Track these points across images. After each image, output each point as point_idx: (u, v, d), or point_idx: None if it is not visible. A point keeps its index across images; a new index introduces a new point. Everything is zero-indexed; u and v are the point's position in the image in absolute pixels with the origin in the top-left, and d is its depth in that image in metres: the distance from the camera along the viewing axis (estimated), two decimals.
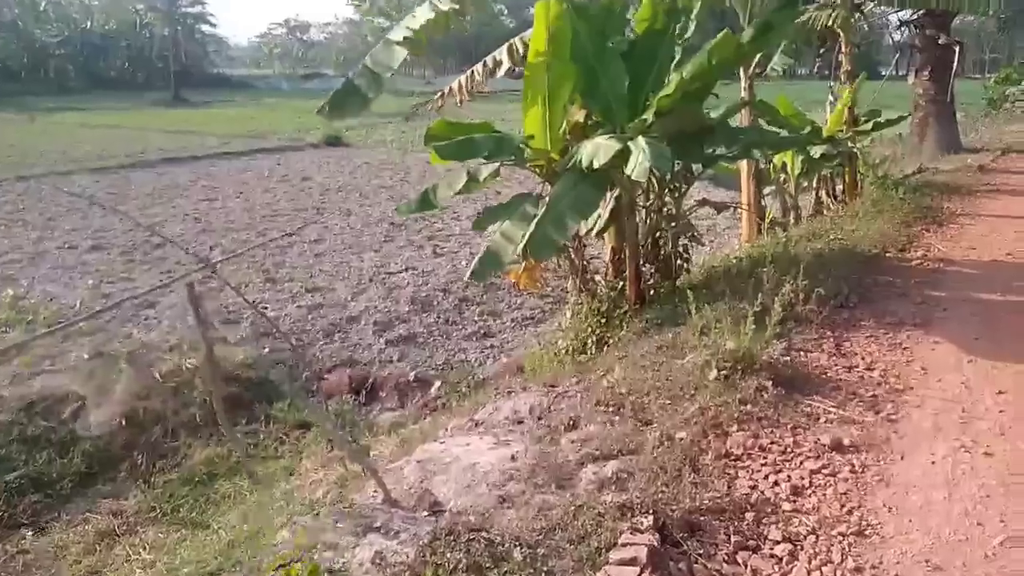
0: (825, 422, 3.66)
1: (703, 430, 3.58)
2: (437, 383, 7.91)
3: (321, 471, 6.19)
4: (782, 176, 11.13)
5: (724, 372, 4.07)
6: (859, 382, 4.14)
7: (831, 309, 5.32)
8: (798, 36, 12.49)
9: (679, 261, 6.74)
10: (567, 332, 6.90)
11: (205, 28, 74.66)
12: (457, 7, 5.93)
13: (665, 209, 6.72)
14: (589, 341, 6.51)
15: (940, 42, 14.75)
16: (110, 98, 57.47)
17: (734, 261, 7.16)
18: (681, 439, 3.53)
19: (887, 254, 7.12)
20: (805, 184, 11.16)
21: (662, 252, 6.76)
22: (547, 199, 5.75)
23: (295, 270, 11.85)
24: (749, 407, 3.76)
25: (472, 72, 7.98)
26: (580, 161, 5.57)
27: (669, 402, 3.96)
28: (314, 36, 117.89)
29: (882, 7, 13.42)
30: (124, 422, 7.02)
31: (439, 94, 8.27)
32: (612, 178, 6.06)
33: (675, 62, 6.06)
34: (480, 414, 4.73)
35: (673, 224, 6.35)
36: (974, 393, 4.03)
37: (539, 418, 4.44)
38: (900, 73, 27.56)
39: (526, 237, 5.42)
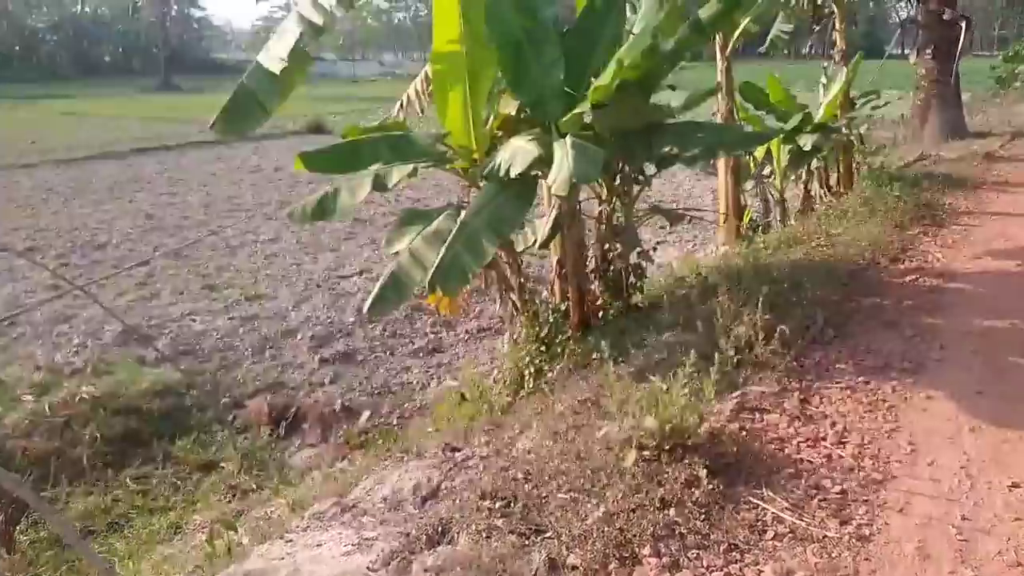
0: (773, 538, 2.68)
1: (604, 552, 2.62)
2: (366, 413, 6.97)
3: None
4: (767, 168, 10.11)
5: (647, 453, 3.10)
6: (825, 465, 3.16)
7: (801, 347, 4.33)
8: (787, 12, 11.40)
9: (631, 278, 5.75)
10: (503, 360, 5.96)
11: (197, 12, 72.93)
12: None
13: (615, 218, 5.72)
14: (527, 373, 5.56)
15: (945, 18, 13.62)
16: (100, 85, 56.43)
17: (695, 277, 6.17)
18: (574, 569, 2.57)
19: (877, 265, 6.12)
20: (792, 177, 10.12)
21: (612, 267, 5.77)
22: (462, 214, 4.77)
23: (239, 274, 10.89)
24: (672, 513, 2.78)
25: (425, 74, 6.97)
26: (499, 168, 4.60)
27: (572, 498, 2.99)
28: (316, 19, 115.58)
29: None
30: None
31: (398, 105, 7.26)
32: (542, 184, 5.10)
33: (621, 45, 5.05)
34: (355, 492, 3.79)
35: (618, 238, 5.36)
36: (977, 487, 3.00)
37: (423, 501, 3.50)
38: (904, 52, 26.30)
39: (433, 265, 4.46)
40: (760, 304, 4.18)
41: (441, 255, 4.49)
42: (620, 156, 4.95)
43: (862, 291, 5.42)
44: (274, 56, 5.08)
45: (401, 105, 6.69)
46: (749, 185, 9.58)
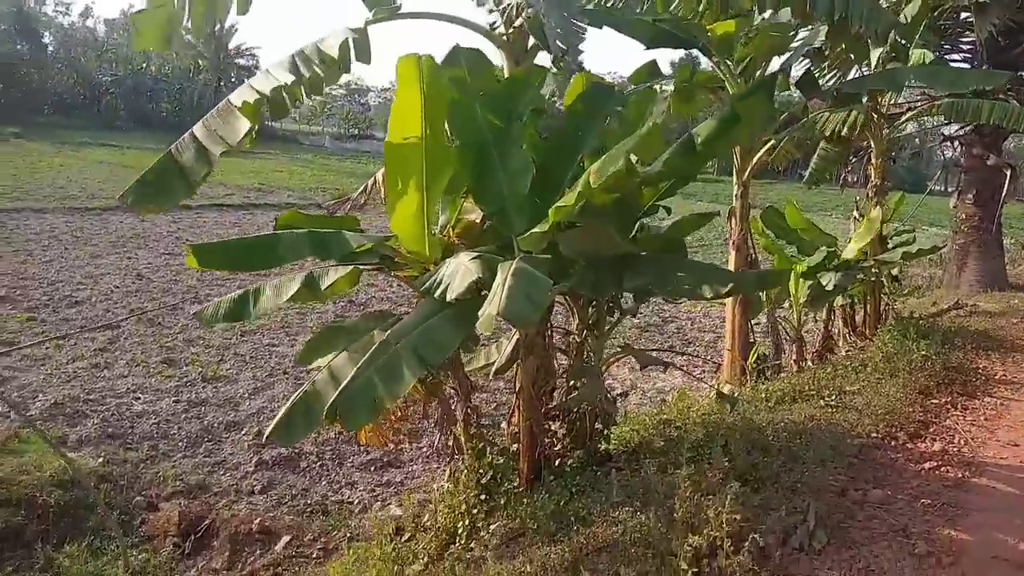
0: None
1: None
2: (285, 539, 6.02)
3: None
4: (785, 302, 9.26)
5: None
6: None
7: (782, 558, 3.39)
8: (801, 141, 10.84)
9: (596, 423, 4.87)
10: (438, 502, 5.05)
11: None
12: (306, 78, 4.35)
13: (586, 351, 4.90)
14: (461, 525, 4.65)
15: (988, 163, 12.92)
16: (151, 139, 57.80)
17: (679, 428, 5.27)
18: None
19: (893, 441, 5.17)
20: (811, 314, 9.26)
21: (577, 409, 4.90)
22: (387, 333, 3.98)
23: (206, 350, 10.15)
24: None
25: None
26: (437, 285, 3.84)
27: None
28: (372, 100, 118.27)
29: (922, 118, 11.71)
30: None
31: (363, 187, 6.67)
32: None
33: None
34: None
35: (582, 381, 4.52)
36: None
37: None
38: (948, 190, 25.53)
39: (337, 392, 3.66)
40: (730, 498, 3.26)
41: (349, 379, 3.69)
42: (586, 285, 4.16)
43: (871, 477, 4.47)
44: (213, 133, 4.49)
45: (365, 188, 6.05)
46: (762, 318, 8.71)
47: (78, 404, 7.95)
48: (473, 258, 3.74)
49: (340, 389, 3.64)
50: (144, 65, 74.08)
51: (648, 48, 7.47)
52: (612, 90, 4.64)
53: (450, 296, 3.60)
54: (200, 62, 72.98)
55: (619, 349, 5.01)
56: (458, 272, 3.73)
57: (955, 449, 5.06)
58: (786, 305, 9.41)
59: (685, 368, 9.43)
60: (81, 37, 74.08)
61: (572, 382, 4.87)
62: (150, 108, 74.12)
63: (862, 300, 10.34)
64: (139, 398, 8.38)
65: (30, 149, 39.63)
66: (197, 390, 8.75)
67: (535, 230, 3.96)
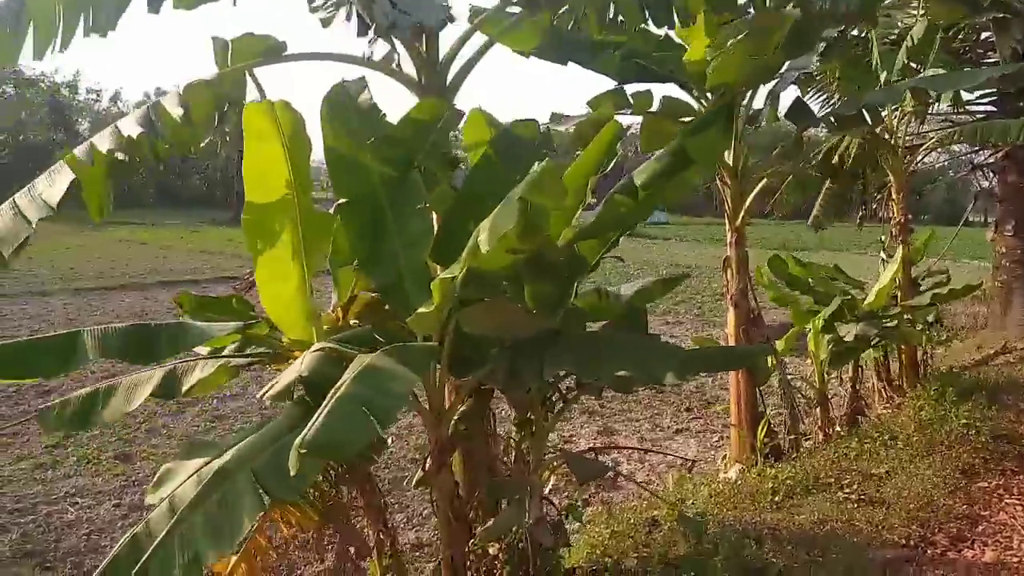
0: None
1: None
2: None
3: None
4: (809, 359, 8.15)
5: None
6: None
7: None
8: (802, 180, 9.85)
9: (543, 547, 3.81)
10: None
11: None
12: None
13: (526, 458, 3.89)
14: None
15: None
16: (176, 215, 58.53)
17: (660, 535, 4.20)
18: None
19: (930, 547, 4.04)
20: (834, 374, 8.12)
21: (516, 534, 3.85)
22: (229, 451, 3.03)
23: (169, 441, 9.25)
24: None
25: None
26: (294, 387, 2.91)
27: None
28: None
29: (949, 146, 10.62)
30: None
31: None
32: None
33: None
34: None
35: (514, 498, 3.50)
36: None
37: None
38: (988, 220, 23.96)
39: (148, 553, 2.71)
40: None
41: (167, 531, 2.74)
42: (499, 376, 3.18)
43: None
44: (36, 197, 3.69)
45: None
46: (775, 381, 7.58)
47: (4, 512, 7.08)
48: (315, 351, 2.80)
49: (153, 547, 2.69)
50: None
51: (620, 84, 6.62)
52: (531, 129, 3.70)
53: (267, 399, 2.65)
54: (226, 141, 74.51)
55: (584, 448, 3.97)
56: (312, 367, 2.80)
57: (1015, 560, 3.90)
58: (807, 362, 8.31)
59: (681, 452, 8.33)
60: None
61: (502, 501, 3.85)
62: (178, 184, 75.65)
63: (897, 350, 9.19)
64: (77, 503, 7.48)
65: (52, 231, 40.04)
66: (143, 491, 7.82)
67: (421, 310, 3.01)
